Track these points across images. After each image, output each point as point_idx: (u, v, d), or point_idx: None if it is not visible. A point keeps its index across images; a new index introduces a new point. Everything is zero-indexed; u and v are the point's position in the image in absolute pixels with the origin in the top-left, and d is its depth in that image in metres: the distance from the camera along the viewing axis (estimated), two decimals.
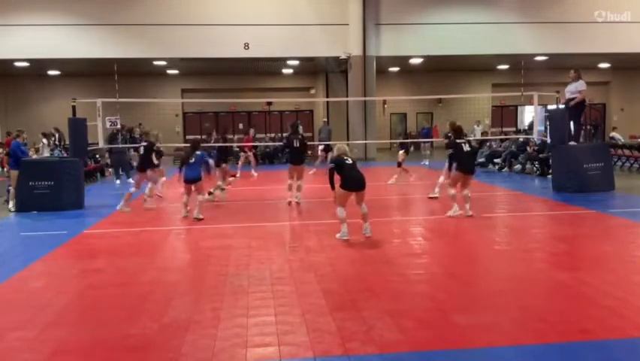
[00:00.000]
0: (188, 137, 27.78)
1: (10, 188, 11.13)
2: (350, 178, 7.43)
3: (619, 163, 16.30)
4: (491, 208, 10.27)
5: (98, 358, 4.07)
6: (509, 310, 4.82)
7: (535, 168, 15.57)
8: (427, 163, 19.80)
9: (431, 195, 11.24)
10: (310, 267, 6.26)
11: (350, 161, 7.53)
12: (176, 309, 4.96)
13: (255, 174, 16.28)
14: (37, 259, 6.94)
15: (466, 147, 9.20)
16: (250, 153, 17.27)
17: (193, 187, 9.43)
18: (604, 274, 5.79)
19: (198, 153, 9.40)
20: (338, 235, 7.60)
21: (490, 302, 5.06)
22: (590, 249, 7.01)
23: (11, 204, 10.87)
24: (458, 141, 9.30)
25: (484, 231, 8.27)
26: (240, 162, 17.08)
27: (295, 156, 10.79)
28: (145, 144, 10.98)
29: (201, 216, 9.33)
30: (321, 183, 13.03)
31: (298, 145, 10.77)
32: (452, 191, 9.13)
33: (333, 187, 7.58)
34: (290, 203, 10.79)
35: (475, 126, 22.28)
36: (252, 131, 20.68)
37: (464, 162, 9.19)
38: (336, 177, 7.54)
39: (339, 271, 6.08)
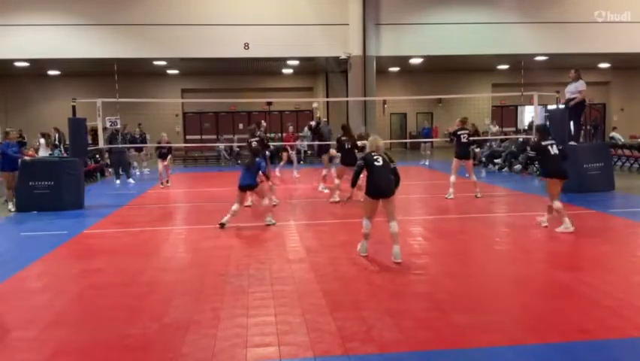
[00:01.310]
0: (188, 136, 27.85)
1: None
2: (374, 182, 6.48)
3: (619, 163, 16.30)
4: (491, 208, 10.28)
5: (98, 358, 4.07)
6: (509, 310, 4.82)
7: (535, 168, 15.56)
8: (426, 163, 19.82)
9: (448, 197, 11.15)
10: (310, 267, 6.26)
11: (380, 162, 6.54)
12: (176, 309, 4.96)
13: (297, 174, 16.00)
14: (37, 259, 6.94)
15: (554, 150, 8.05)
16: (293, 152, 16.94)
17: (249, 194, 8.69)
18: (604, 274, 5.80)
19: (258, 160, 8.84)
20: (358, 248, 6.84)
21: (490, 302, 5.06)
22: (590, 249, 7.01)
23: (11, 205, 10.86)
24: (544, 143, 8.11)
25: (484, 231, 8.27)
26: (282, 162, 16.98)
27: (346, 157, 10.97)
28: (257, 139, 10.63)
29: (274, 221, 8.81)
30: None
31: (349, 147, 10.95)
32: (557, 203, 7.91)
33: (354, 185, 6.89)
34: (339, 202, 10.79)
35: (492, 126, 21.92)
36: (291, 127, 20.46)
37: (555, 167, 8.01)
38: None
39: (339, 271, 6.08)
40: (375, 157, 6.59)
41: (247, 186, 8.66)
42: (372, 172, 6.52)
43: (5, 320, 4.81)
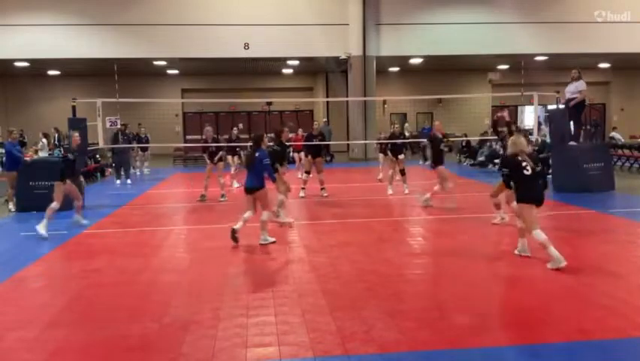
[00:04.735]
0: (188, 136, 27.78)
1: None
2: (530, 188, 6.04)
3: (619, 163, 16.29)
4: (491, 208, 10.25)
5: (98, 358, 4.07)
6: (509, 310, 4.82)
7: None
8: (427, 163, 19.80)
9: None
10: (310, 267, 6.26)
11: (529, 170, 6.00)
12: (176, 309, 4.96)
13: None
14: (37, 259, 6.95)
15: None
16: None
17: None
18: (604, 274, 5.79)
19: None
20: (550, 265, 5.91)
21: (490, 302, 5.06)
22: (590, 249, 7.01)
23: (11, 205, 10.85)
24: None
25: (484, 231, 8.26)
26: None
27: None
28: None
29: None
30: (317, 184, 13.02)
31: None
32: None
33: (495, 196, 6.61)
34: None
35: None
36: (300, 130, 19.66)
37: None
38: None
39: (339, 271, 6.07)
40: (522, 162, 6.05)
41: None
42: (523, 180, 6.04)
43: (5, 320, 4.81)
